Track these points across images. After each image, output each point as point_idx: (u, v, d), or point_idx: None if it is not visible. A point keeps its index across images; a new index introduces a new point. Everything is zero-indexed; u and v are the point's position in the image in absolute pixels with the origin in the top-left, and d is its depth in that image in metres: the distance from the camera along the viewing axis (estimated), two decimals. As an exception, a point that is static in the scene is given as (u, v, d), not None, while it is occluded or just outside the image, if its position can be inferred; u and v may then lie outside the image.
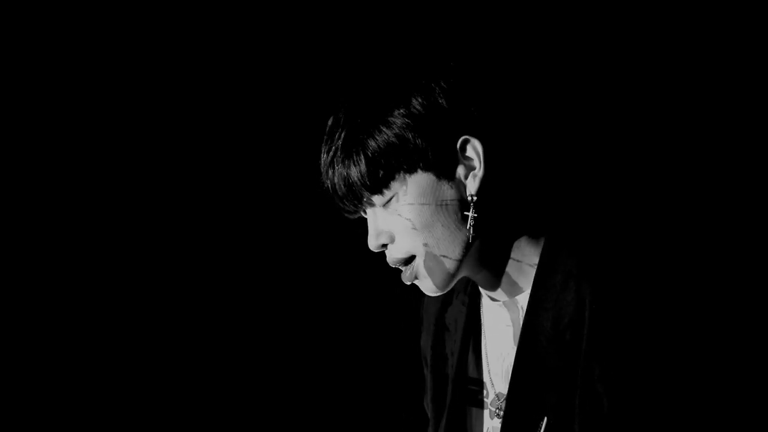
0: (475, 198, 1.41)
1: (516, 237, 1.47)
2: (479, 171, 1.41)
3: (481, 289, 1.54)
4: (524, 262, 1.46)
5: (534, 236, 1.47)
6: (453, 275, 1.44)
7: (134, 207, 2.40)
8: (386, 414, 2.38)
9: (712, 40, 2.00)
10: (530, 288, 1.44)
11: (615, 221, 1.91)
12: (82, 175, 2.37)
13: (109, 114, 2.37)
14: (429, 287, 1.46)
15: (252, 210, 2.40)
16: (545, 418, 1.36)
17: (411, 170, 1.40)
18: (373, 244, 1.46)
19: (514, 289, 1.48)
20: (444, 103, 1.40)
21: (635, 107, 2.07)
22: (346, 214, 1.48)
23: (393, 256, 1.45)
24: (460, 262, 1.44)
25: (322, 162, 1.45)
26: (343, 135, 1.42)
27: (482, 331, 1.55)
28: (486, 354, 1.54)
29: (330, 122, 1.45)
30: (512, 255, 1.47)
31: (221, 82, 2.37)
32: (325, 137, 1.45)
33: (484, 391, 1.54)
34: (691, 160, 2.01)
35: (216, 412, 2.45)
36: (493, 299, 1.52)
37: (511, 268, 1.47)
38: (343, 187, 1.42)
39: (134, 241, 2.40)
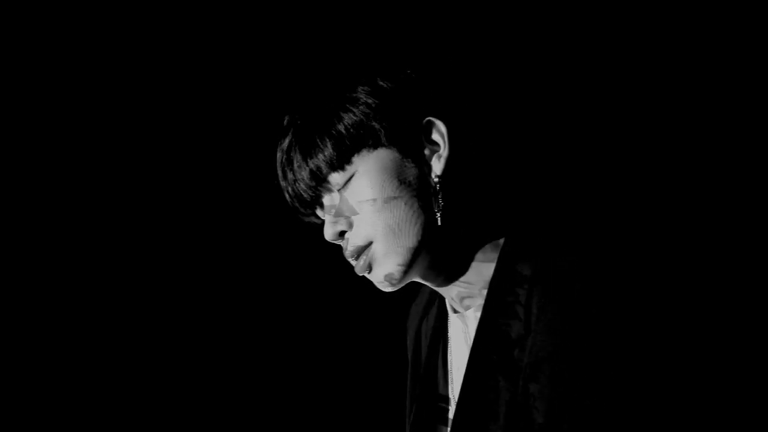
0: (440, 179, 1.38)
1: (476, 239, 1.41)
2: (444, 151, 1.38)
3: (446, 300, 1.49)
4: (483, 270, 1.40)
5: (495, 242, 1.41)
6: (409, 264, 1.38)
7: (132, 208, 2.40)
8: (385, 414, 2.38)
9: (679, 33, 1.97)
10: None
11: (577, 228, 1.83)
12: (80, 176, 2.38)
13: (104, 115, 2.37)
14: (383, 274, 1.39)
15: (251, 210, 2.40)
16: None
17: (375, 145, 1.37)
18: (329, 231, 1.41)
19: (472, 300, 1.43)
20: (409, 85, 1.38)
21: (613, 109, 2.02)
22: (302, 209, 1.44)
23: (352, 243, 1.39)
24: (418, 251, 1.38)
25: (283, 146, 1.42)
26: (304, 116, 1.40)
27: (449, 345, 1.50)
28: (451, 369, 1.49)
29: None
30: (471, 261, 1.41)
31: (211, 82, 2.38)
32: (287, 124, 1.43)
33: (450, 408, 1.48)
34: (661, 165, 1.97)
35: (216, 413, 2.45)
36: (455, 310, 1.47)
37: (470, 275, 1.42)
38: (304, 166, 1.38)
39: (132, 242, 2.41)
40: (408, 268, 1.39)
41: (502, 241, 1.40)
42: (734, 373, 1.80)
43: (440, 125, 1.38)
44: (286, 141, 1.41)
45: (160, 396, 2.42)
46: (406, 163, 1.38)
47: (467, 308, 1.43)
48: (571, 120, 2.04)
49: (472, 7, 2.13)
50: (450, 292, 1.45)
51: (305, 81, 1.47)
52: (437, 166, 1.38)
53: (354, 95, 1.37)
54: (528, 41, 2.08)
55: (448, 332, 1.51)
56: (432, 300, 1.58)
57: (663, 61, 1.98)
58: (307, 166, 1.38)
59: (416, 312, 1.64)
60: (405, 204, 1.36)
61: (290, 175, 1.41)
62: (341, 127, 1.36)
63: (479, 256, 1.41)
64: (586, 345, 1.25)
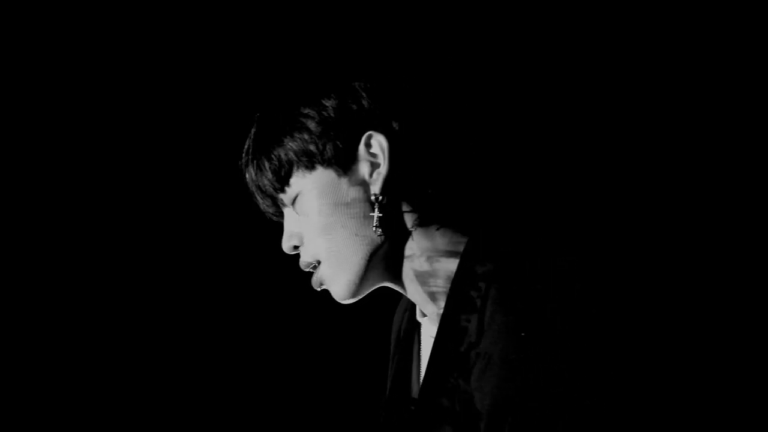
0: (380, 197, 1.36)
1: (431, 246, 1.38)
2: (383, 168, 1.35)
3: (417, 304, 1.47)
4: (444, 275, 1.38)
5: (455, 246, 1.38)
6: (358, 282, 1.38)
7: (130, 208, 2.41)
8: (371, 415, 2.37)
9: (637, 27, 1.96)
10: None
11: (537, 231, 1.79)
12: (75, 178, 2.38)
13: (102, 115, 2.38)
14: (336, 294, 1.40)
15: (248, 212, 2.40)
16: None
17: (310, 167, 1.37)
18: (284, 245, 1.43)
19: (437, 303, 1.40)
20: (354, 98, 1.37)
21: (568, 107, 2.01)
22: (272, 218, 1.46)
23: (302, 259, 1.41)
24: (365, 269, 1.37)
25: (242, 160, 1.45)
26: (252, 133, 1.42)
27: (421, 347, 1.49)
28: (421, 372, 1.46)
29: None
30: (430, 263, 1.39)
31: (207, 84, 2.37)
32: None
33: None
34: (617, 165, 1.95)
35: (216, 415, 2.45)
36: (423, 314, 1.45)
37: (431, 281, 1.39)
38: (254, 184, 1.42)
39: (130, 241, 2.41)
40: (357, 286, 1.39)
41: (464, 243, 1.38)
42: (732, 383, 1.79)
43: (381, 139, 1.36)
44: (244, 155, 1.44)
45: (158, 396, 2.43)
46: (344, 183, 1.37)
47: (433, 311, 1.41)
48: (531, 120, 2.03)
49: (422, 14, 2.12)
50: (415, 297, 1.43)
51: (260, 94, 1.48)
52: (376, 184, 1.36)
53: (295, 118, 1.38)
54: (479, 44, 2.06)
55: (420, 335, 1.50)
56: (408, 302, 1.57)
57: (624, 56, 1.97)
58: (257, 184, 1.41)
59: (399, 313, 1.63)
60: (342, 227, 1.37)
61: (248, 182, 1.45)
62: (281, 152, 1.37)
63: (438, 262, 1.39)
64: (560, 345, 1.23)
